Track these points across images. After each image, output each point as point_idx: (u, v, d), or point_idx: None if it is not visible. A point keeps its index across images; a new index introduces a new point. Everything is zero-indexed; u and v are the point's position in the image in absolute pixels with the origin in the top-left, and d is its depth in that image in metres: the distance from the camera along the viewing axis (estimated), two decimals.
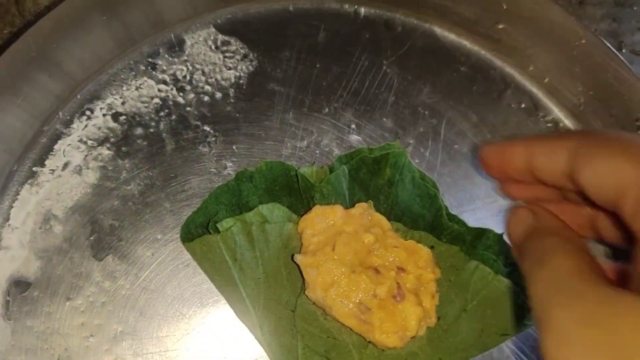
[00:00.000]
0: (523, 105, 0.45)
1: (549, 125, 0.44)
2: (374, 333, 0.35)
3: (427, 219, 0.39)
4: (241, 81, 0.44)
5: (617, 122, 0.43)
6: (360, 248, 0.36)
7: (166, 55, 0.44)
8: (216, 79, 0.44)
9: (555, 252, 0.26)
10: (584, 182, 0.27)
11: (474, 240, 0.39)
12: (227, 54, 0.44)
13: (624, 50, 0.50)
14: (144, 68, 0.44)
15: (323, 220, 0.37)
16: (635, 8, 0.51)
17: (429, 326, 0.37)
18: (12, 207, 0.41)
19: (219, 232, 0.38)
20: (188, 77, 0.44)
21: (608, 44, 0.42)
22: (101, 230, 0.41)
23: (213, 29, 0.45)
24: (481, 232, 0.39)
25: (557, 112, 0.45)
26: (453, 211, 0.40)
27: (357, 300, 0.35)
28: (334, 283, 0.35)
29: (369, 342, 0.37)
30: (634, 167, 0.26)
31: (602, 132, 0.31)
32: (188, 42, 0.44)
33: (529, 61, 0.45)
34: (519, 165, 0.30)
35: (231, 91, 0.44)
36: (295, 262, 0.37)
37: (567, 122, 0.44)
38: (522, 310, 0.38)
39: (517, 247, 0.30)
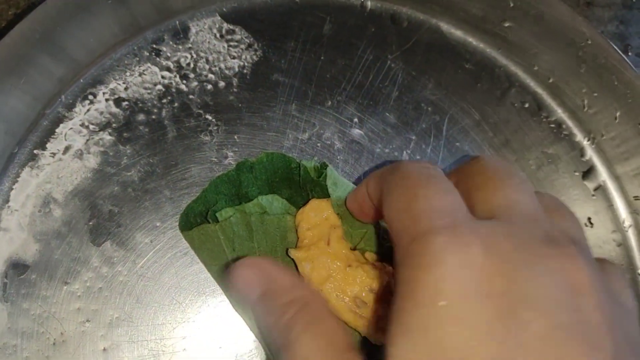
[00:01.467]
0: (526, 105, 0.44)
1: (552, 126, 0.44)
2: (370, 328, 0.35)
3: None
4: (245, 71, 0.44)
5: (620, 125, 0.42)
6: None
7: (171, 42, 0.44)
8: (220, 68, 0.44)
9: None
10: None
11: None
12: (232, 43, 0.44)
13: (630, 54, 0.49)
14: (147, 54, 0.44)
15: (318, 214, 0.37)
16: None
17: None
18: (12, 189, 0.41)
19: (217, 221, 0.38)
20: (192, 65, 0.43)
21: (615, 46, 0.42)
22: (100, 216, 0.41)
23: (218, 17, 0.44)
24: None
25: (561, 113, 0.45)
26: None
27: (353, 295, 0.35)
28: (329, 277, 0.35)
29: (364, 337, 0.37)
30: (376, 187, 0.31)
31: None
32: (193, 30, 0.44)
33: (534, 60, 0.44)
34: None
35: (234, 80, 0.43)
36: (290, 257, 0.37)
37: (570, 124, 0.44)
38: None
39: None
